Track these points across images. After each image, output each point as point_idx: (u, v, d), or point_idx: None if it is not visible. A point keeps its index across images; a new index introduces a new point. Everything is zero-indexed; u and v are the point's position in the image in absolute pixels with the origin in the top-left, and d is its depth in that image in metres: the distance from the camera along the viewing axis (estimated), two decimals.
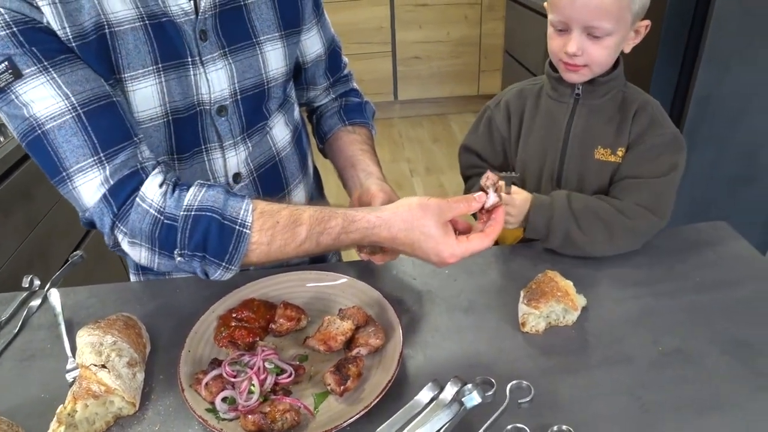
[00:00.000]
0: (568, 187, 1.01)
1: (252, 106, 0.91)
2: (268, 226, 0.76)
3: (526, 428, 0.63)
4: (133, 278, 1.06)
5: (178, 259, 0.76)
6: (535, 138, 1.02)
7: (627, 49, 0.93)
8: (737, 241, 0.99)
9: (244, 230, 0.75)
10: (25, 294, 0.94)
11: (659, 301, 0.85)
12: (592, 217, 0.91)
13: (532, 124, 1.02)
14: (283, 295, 0.87)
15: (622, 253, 0.94)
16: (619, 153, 0.96)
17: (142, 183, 0.75)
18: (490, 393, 0.66)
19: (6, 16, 0.68)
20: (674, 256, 0.94)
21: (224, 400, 0.69)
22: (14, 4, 0.68)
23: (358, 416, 0.66)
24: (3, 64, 0.68)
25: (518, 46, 3.19)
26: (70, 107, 0.71)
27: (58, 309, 0.88)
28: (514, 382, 0.69)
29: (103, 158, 0.73)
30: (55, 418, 0.66)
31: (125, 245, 0.77)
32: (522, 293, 0.82)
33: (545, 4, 0.93)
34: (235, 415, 0.68)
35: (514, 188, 0.93)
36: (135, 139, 0.77)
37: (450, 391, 0.66)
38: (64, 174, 0.74)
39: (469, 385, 0.65)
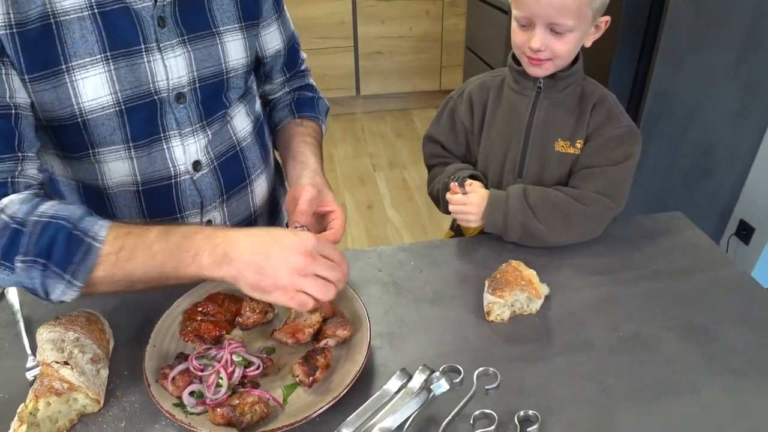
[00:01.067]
0: (529, 178, 1.03)
1: (211, 95, 0.90)
2: (121, 234, 0.71)
3: (494, 413, 0.65)
4: None
5: (18, 266, 0.68)
6: (497, 130, 1.04)
7: (588, 44, 0.96)
8: (692, 230, 1.03)
9: (95, 243, 0.69)
10: None
11: (618, 289, 0.88)
12: (549, 207, 0.94)
13: (495, 116, 1.04)
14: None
15: (582, 241, 0.97)
16: (578, 145, 0.99)
17: (6, 195, 0.72)
18: (457, 381, 0.68)
19: None
20: (632, 245, 0.98)
21: (192, 394, 0.69)
22: None
23: (326, 407, 0.66)
24: None
25: (479, 42, 3.23)
26: None
27: (17, 306, 0.85)
28: (480, 369, 0.70)
29: None
30: (16, 417, 0.64)
31: None
32: (486, 283, 0.84)
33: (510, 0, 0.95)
34: (203, 408, 0.68)
35: (471, 186, 0.95)
36: (18, 153, 0.75)
37: (418, 379, 0.67)
38: None
39: (437, 373, 0.66)
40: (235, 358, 0.72)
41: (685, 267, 0.93)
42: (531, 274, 0.83)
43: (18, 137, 0.75)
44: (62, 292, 0.69)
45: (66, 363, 0.70)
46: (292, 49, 1.08)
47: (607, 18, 0.94)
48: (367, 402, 0.66)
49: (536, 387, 0.71)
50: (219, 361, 0.72)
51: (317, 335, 0.77)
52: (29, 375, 0.74)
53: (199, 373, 0.71)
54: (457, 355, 0.77)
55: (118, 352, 0.79)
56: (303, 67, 1.14)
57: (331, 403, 0.67)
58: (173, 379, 0.70)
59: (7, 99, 0.73)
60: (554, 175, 1.01)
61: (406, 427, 0.63)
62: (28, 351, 0.78)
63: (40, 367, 0.71)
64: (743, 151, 2.09)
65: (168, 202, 0.92)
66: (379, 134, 3.78)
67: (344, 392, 0.68)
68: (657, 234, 1.01)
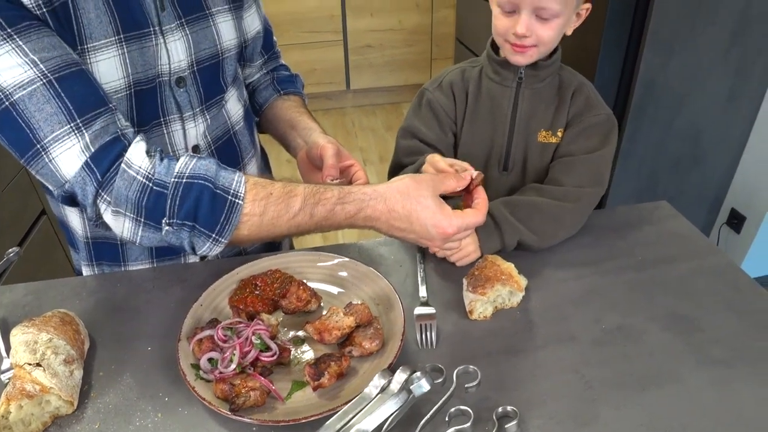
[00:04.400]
0: (514, 170, 1.02)
1: (209, 78, 0.91)
2: (261, 197, 0.74)
3: (470, 410, 0.63)
4: (86, 271, 1.01)
5: (166, 228, 0.72)
6: (480, 123, 1.02)
7: (569, 32, 0.94)
8: (678, 219, 1.02)
9: (237, 201, 0.73)
10: None
11: (601, 280, 0.87)
12: (539, 217, 0.92)
13: (476, 108, 1.02)
14: (306, 273, 0.87)
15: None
16: (559, 134, 0.98)
17: (125, 149, 0.72)
18: (439, 381, 0.67)
19: None
20: (616, 235, 0.97)
21: (210, 360, 0.70)
22: None
23: (313, 418, 0.64)
24: None
25: (469, 34, 3.21)
26: (39, 74, 0.67)
27: None
28: (460, 367, 0.69)
29: (81, 125, 0.70)
30: None
31: (108, 216, 0.73)
32: (465, 281, 0.83)
33: None
34: (212, 377, 0.69)
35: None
36: (110, 105, 0.74)
37: (398, 379, 0.65)
38: (38, 146, 0.69)
39: (418, 373, 0.64)
40: (254, 339, 0.72)
41: (670, 256, 0.92)
42: (509, 267, 0.82)
43: (101, 89, 0.74)
44: (209, 248, 0.75)
45: (38, 365, 0.68)
46: (267, 31, 1.09)
47: (588, 5, 0.93)
48: (347, 404, 0.64)
49: (517, 382, 0.70)
50: (239, 338, 0.72)
51: (346, 340, 0.75)
52: (4, 377, 0.73)
53: (221, 344, 0.71)
54: (438, 353, 0.75)
55: (93, 352, 0.78)
56: (276, 49, 1.17)
57: (324, 415, 0.64)
58: (199, 341, 0.71)
59: (74, 55, 0.72)
60: (537, 166, 1.00)
61: (384, 427, 0.62)
62: (3, 353, 0.76)
63: (13, 370, 0.70)
64: (733, 139, 2.08)
65: None
66: (369, 128, 3.77)
67: (341, 408, 0.65)
68: (641, 223, 1.00)
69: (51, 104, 0.68)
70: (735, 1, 1.77)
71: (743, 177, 2.15)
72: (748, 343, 0.75)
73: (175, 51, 0.84)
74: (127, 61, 0.78)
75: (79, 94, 0.70)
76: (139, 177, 0.71)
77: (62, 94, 0.69)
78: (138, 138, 0.74)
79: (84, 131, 0.70)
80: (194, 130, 0.91)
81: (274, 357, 0.72)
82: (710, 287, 0.85)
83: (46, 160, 0.70)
